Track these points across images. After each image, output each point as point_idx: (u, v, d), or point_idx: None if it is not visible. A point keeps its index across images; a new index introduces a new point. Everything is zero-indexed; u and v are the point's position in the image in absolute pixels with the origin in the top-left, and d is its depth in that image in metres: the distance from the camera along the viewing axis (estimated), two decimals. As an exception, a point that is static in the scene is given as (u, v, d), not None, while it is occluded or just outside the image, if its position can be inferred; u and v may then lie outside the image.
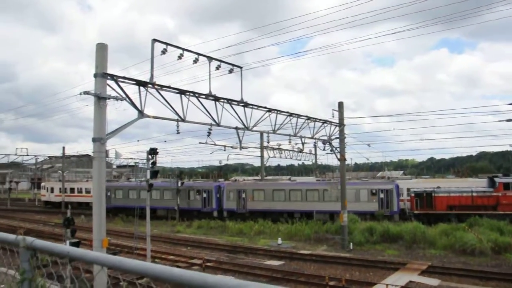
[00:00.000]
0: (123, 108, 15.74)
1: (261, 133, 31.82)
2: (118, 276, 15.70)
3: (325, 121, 29.08)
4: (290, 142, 28.82)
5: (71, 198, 57.04)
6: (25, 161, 70.54)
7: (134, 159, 71.16)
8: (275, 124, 24.29)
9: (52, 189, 62.15)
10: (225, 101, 20.35)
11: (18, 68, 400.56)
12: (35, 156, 69.66)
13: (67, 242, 16.23)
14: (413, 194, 37.59)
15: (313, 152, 46.60)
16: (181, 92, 18.19)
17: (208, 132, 20.86)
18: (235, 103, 20.98)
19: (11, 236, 2.58)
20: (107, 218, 15.44)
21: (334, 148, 30.56)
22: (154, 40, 16.83)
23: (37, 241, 2.43)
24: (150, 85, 16.53)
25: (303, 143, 30.07)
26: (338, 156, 30.77)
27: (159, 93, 17.22)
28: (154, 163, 22.30)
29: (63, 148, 63.09)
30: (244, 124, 21.87)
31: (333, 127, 29.90)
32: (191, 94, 18.57)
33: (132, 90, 16.21)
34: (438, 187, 37.30)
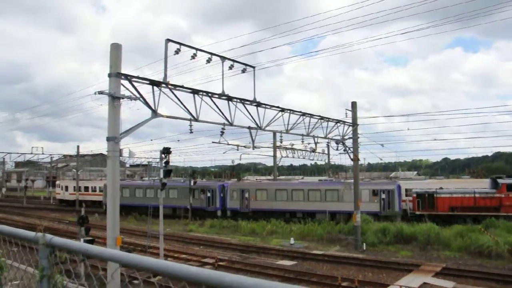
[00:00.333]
0: (136, 108, 15.81)
1: (274, 133, 31.84)
2: (130, 274, 15.82)
3: (338, 121, 28.98)
4: (303, 142, 28.78)
5: (85, 196, 57.60)
6: (40, 159, 71.84)
7: (148, 158, 71.59)
8: (288, 124, 24.28)
9: (66, 188, 62.84)
10: (238, 100, 20.38)
11: (34, 69, 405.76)
12: (50, 155, 70.73)
13: (81, 240, 16.42)
14: (415, 195, 37.38)
15: (326, 152, 46.46)
16: (194, 91, 18.26)
17: (221, 131, 20.91)
18: (248, 102, 21.00)
19: (30, 233, 2.62)
20: (120, 216, 15.57)
21: (347, 148, 30.43)
22: (168, 40, 16.93)
23: (55, 238, 2.47)
24: (163, 85, 16.63)
25: (316, 143, 30.00)
26: (351, 156, 30.63)
27: (172, 92, 17.31)
28: (167, 162, 22.41)
29: (78, 147, 63.78)
30: (257, 124, 21.88)
31: (346, 127, 29.78)
32: (204, 93, 18.64)
33: (145, 89, 16.32)
34: (441, 188, 37.04)
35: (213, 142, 34.25)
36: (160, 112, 16.41)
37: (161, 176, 22.22)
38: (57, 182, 67.97)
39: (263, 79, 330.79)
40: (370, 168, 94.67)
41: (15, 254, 3.57)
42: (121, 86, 15.02)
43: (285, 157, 38.65)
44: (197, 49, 18.31)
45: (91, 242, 15.82)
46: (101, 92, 14.68)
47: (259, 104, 21.56)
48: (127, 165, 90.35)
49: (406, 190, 39.39)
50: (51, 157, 72.68)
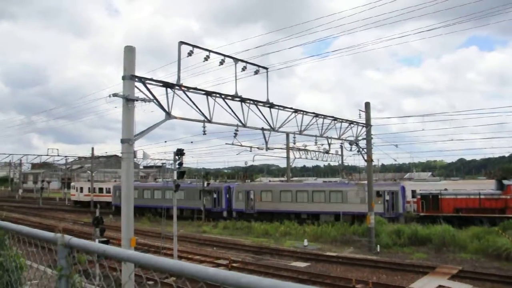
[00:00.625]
0: (150, 110, 15.91)
1: (287, 134, 31.75)
2: (140, 275, 15.89)
3: (351, 122, 28.85)
4: (316, 143, 28.69)
5: (100, 198, 58.13)
6: (56, 161, 72.79)
7: (161, 159, 71.94)
8: (301, 125, 24.22)
9: (81, 189, 63.49)
10: (251, 102, 20.40)
11: (48, 72, 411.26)
12: (66, 156, 71.68)
13: (96, 240, 16.56)
14: (419, 196, 37.17)
15: (340, 153, 46.21)
16: (208, 93, 18.33)
17: (234, 133, 20.94)
18: (261, 104, 21.02)
19: (49, 234, 2.65)
20: (134, 217, 15.66)
21: (360, 149, 30.28)
22: (181, 43, 17.03)
23: (74, 239, 2.50)
24: (177, 87, 16.73)
25: (329, 144, 29.89)
26: (365, 157, 30.47)
27: (186, 94, 17.40)
28: (180, 164, 22.52)
29: (92, 149, 64.36)
30: (270, 125, 21.89)
31: (359, 128, 29.64)
32: (218, 95, 18.70)
33: (159, 92, 16.44)
34: (445, 189, 36.74)
35: (226, 144, 34.40)
36: (173, 114, 16.52)
37: (175, 177, 22.33)
38: (72, 184, 68.71)
39: (276, 80, 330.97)
40: (383, 169, 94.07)
41: (35, 254, 3.62)
42: (135, 88, 15.15)
43: (298, 158, 38.79)
44: (210, 51, 18.38)
45: (106, 243, 15.94)
46: (115, 95, 14.80)
47: (272, 106, 21.57)
48: (141, 167, 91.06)
49: (412, 191, 39.18)
50: (66, 159, 73.66)
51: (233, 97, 19.46)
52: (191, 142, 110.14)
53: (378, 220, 31.50)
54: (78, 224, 44.41)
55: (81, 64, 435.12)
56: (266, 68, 21.38)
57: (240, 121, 19.99)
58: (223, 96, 19.01)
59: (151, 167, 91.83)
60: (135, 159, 20.39)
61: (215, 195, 45.44)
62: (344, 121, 28.12)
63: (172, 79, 16.84)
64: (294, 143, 31.98)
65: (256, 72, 20.86)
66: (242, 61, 19.99)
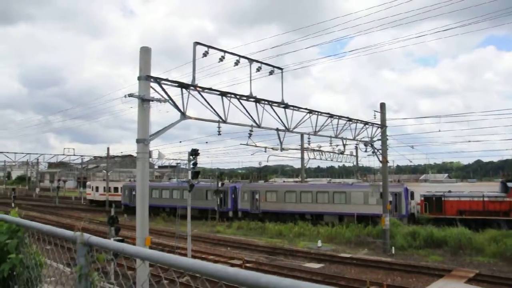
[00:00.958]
0: (166, 110, 16.01)
1: (302, 135, 31.66)
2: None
3: (366, 123, 28.68)
4: (331, 144, 28.58)
5: (115, 197, 58.65)
6: (72, 161, 73.64)
7: (176, 159, 72.30)
8: (315, 126, 24.16)
9: (97, 188, 64.12)
10: (266, 102, 20.41)
11: (65, 73, 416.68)
12: (81, 156, 72.46)
13: (111, 239, 16.69)
14: (422, 198, 37.13)
15: (354, 154, 45.94)
16: (223, 94, 18.38)
17: (249, 133, 20.97)
18: (276, 104, 21.00)
19: (69, 232, 2.69)
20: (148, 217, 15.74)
21: (375, 150, 30.07)
22: (196, 43, 17.11)
23: (93, 237, 2.53)
24: (192, 87, 16.80)
25: (344, 145, 29.76)
26: (380, 158, 30.25)
27: (201, 95, 17.48)
28: (195, 164, 22.59)
29: (108, 148, 65.23)
30: (284, 126, 21.87)
31: (375, 129, 29.46)
32: (232, 95, 18.74)
33: (174, 92, 16.53)
34: (449, 192, 36.55)
35: (241, 144, 34.42)
36: (188, 114, 16.59)
37: (189, 177, 22.42)
38: (88, 183, 69.42)
39: (290, 81, 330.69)
40: (399, 170, 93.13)
41: (52, 252, 3.67)
42: (151, 89, 15.25)
43: (312, 159, 38.46)
44: (225, 52, 18.42)
45: (121, 242, 16.06)
46: (131, 95, 14.93)
47: (287, 106, 21.54)
48: (156, 167, 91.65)
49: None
50: (82, 159, 74.48)
51: (248, 97, 19.49)
52: (206, 142, 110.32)
53: (393, 222, 31.25)
54: (93, 223, 44.86)
55: (97, 65, 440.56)
56: (281, 69, 21.36)
57: (254, 121, 20.01)
58: (238, 97, 19.04)
59: (165, 167, 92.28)
60: (150, 159, 20.50)
61: (221, 195, 45.77)
62: (359, 122, 27.96)
63: (187, 80, 16.97)
64: (309, 144, 31.90)
65: (271, 73, 20.86)
66: (257, 61, 20.01)
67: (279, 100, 21.17)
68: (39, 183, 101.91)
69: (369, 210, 37.07)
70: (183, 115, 16.32)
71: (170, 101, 15.90)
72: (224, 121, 18.21)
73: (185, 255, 22.75)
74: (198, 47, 17.14)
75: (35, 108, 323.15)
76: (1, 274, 3.62)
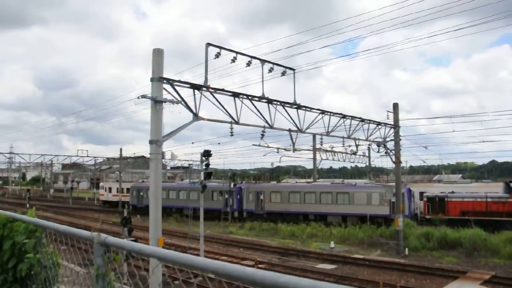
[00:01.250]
0: (178, 111, 16.10)
1: (314, 135, 31.57)
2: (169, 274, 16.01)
3: (379, 123, 28.51)
4: (343, 144, 28.48)
5: (127, 198, 59.02)
6: (85, 162, 74.28)
7: (188, 160, 72.58)
8: (328, 126, 24.08)
9: (110, 189, 64.56)
10: (278, 103, 20.39)
11: (78, 75, 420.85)
12: (95, 157, 73.15)
13: (125, 240, 16.79)
14: (425, 199, 37.16)
15: (367, 154, 45.69)
16: (235, 94, 18.41)
17: (261, 134, 20.98)
18: (288, 105, 20.98)
19: (86, 232, 2.71)
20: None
21: (388, 151, 29.88)
22: (208, 44, 17.16)
23: (109, 237, 2.54)
24: (204, 88, 16.86)
25: (357, 145, 29.63)
26: (393, 159, 30.04)
27: (213, 96, 17.52)
28: (207, 165, 22.66)
29: (120, 149, 65.58)
30: (297, 126, 21.83)
31: (387, 129, 29.28)
32: (245, 96, 18.75)
33: (186, 93, 16.60)
34: (452, 192, 36.51)
35: (253, 145, 34.52)
36: (200, 115, 16.65)
37: (202, 178, 22.49)
38: (101, 184, 69.95)
39: (302, 81, 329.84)
40: (412, 171, 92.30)
41: (70, 252, 3.71)
42: (163, 90, 15.33)
43: (325, 159, 38.34)
44: (237, 53, 18.46)
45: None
46: (144, 96, 15.01)
47: (299, 107, 21.51)
48: (168, 168, 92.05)
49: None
50: (95, 160, 75.16)
51: (260, 98, 19.50)
52: (218, 143, 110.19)
53: (406, 223, 31.01)
54: (107, 224, 45.20)
55: (110, 67, 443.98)
56: (293, 69, 21.33)
57: (267, 122, 20.01)
58: (250, 97, 19.06)
59: (178, 168, 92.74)
60: (162, 160, 20.61)
61: (226, 196, 46.01)
62: (372, 122, 27.81)
63: (199, 81, 17.00)
64: (321, 144, 31.82)
65: (283, 73, 20.84)
66: (269, 62, 20.00)
67: (291, 101, 21.14)
68: (53, 184, 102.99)
69: (372, 210, 37.09)
70: (196, 116, 16.38)
71: (182, 102, 15.97)
72: (237, 122, 18.23)
73: (197, 255, 22.79)
74: (210, 48, 17.19)
75: (49, 110, 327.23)
76: (19, 273, 3.67)
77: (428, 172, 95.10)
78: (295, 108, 21.44)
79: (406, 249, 28.17)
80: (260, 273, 1.63)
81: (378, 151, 30.67)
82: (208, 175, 23.04)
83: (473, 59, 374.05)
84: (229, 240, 33.97)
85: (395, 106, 30.19)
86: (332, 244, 30.92)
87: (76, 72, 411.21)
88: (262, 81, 19.59)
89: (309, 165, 70.84)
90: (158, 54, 15.24)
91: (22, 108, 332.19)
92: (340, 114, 24.82)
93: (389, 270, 23.73)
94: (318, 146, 36.33)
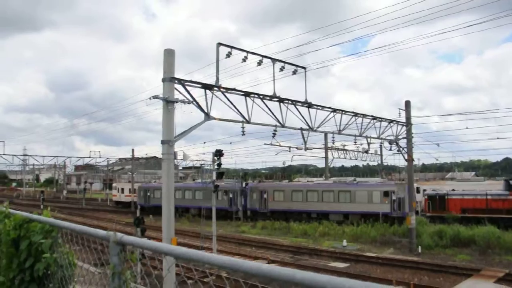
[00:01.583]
0: (190, 111, 16.16)
1: (325, 134, 31.50)
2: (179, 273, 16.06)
3: (391, 121, 28.34)
4: (355, 142, 28.36)
5: (140, 198, 59.32)
6: (97, 163, 74.89)
7: (199, 160, 72.77)
8: (339, 124, 24.00)
9: (122, 190, 64.93)
10: (290, 102, 20.36)
11: (90, 77, 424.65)
12: (107, 158, 73.70)
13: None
14: (426, 197, 37.29)
15: (379, 152, 45.44)
16: (246, 94, 18.41)
17: (273, 133, 20.97)
18: (300, 104, 20.93)
19: (102, 232, 2.74)
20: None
21: (401, 148, 29.68)
22: (219, 44, 17.17)
23: (125, 236, 2.57)
24: (216, 88, 16.88)
25: (368, 144, 29.47)
26: (405, 157, 29.84)
27: (224, 95, 17.54)
28: (219, 165, 22.71)
29: (132, 150, 65.74)
30: (308, 125, 21.77)
31: (399, 127, 29.08)
32: (256, 96, 18.75)
33: (197, 93, 16.64)
34: (453, 190, 36.58)
35: (265, 144, 34.56)
36: (212, 115, 16.68)
37: (214, 178, 22.55)
38: (114, 185, 70.34)
39: (312, 80, 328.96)
40: (424, 168, 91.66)
41: (85, 252, 3.75)
42: (175, 90, 15.38)
43: (336, 158, 38.33)
44: (248, 52, 18.45)
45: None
46: (155, 97, 15.08)
47: (310, 105, 21.44)
48: (180, 168, 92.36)
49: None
50: (108, 161, 75.71)
51: (272, 97, 19.48)
52: (230, 143, 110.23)
53: (419, 221, 30.80)
54: (120, 224, 45.51)
55: (121, 68, 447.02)
56: (304, 68, 21.30)
57: (278, 121, 19.99)
58: (261, 97, 19.05)
59: (189, 168, 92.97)
60: (174, 160, 20.69)
61: (231, 195, 46.32)
62: (384, 120, 27.65)
63: (210, 81, 17.03)
64: (333, 143, 31.73)
65: (294, 72, 20.81)
66: (280, 61, 19.98)
67: (303, 100, 21.10)
68: (66, 185, 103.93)
69: (374, 208, 37.10)
70: (207, 116, 16.42)
71: (194, 102, 16.01)
72: (248, 121, 18.23)
73: (210, 255, 22.86)
74: (221, 48, 17.22)
75: (61, 112, 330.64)
76: (36, 273, 3.72)
77: (441, 170, 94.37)
78: (307, 106, 21.38)
79: (419, 247, 27.98)
80: (277, 270, 1.65)
81: (390, 149, 30.51)
82: (220, 174, 23.12)
83: (485, 56, 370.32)
84: (241, 239, 34.01)
85: (407, 103, 29.99)
86: (344, 243, 30.81)
87: (87, 74, 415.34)
88: (274, 80, 19.59)
89: (320, 164, 70.74)
90: (169, 55, 15.29)
91: (35, 110, 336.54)
92: (352, 112, 24.72)
93: (402, 268, 23.59)
94: (330, 144, 36.25)
